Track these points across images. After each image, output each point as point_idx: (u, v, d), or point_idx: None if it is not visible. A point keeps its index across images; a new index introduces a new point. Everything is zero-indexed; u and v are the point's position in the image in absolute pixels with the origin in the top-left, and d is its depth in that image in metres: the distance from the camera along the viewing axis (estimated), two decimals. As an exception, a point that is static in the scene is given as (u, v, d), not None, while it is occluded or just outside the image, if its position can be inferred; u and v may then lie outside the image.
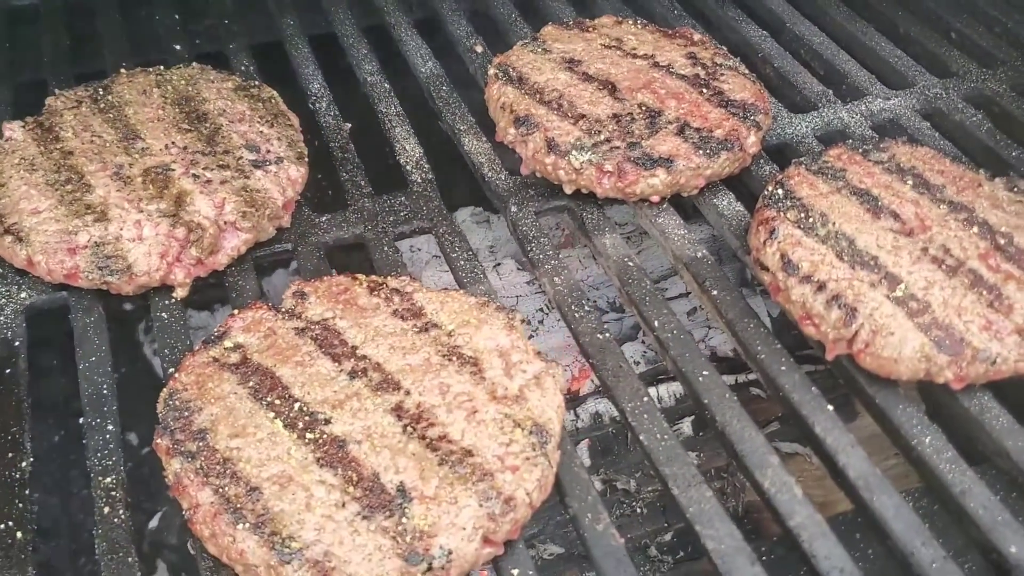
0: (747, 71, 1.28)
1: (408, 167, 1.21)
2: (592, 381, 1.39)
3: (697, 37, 1.33)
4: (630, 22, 1.36)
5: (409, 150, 1.23)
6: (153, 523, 1.28)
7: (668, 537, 1.20)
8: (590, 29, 1.34)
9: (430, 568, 0.78)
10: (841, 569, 0.83)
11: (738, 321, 1.03)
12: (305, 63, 1.36)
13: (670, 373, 1.27)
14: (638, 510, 1.24)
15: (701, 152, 1.13)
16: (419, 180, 1.19)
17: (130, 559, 0.82)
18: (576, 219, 1.17)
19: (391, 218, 1.14)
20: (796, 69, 1.39)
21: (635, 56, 1.28)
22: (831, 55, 1.42)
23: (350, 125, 1.26)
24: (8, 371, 0.96)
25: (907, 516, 0.87)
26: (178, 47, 1.37)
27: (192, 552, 0.83)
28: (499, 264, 1.54)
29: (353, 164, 1.20)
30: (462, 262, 1.09)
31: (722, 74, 1.25)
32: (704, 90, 1.21)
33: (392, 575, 0.77)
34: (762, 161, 1.21)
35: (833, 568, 0.83)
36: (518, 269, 1.52)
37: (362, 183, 1.18)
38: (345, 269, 1.03)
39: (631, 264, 1.09)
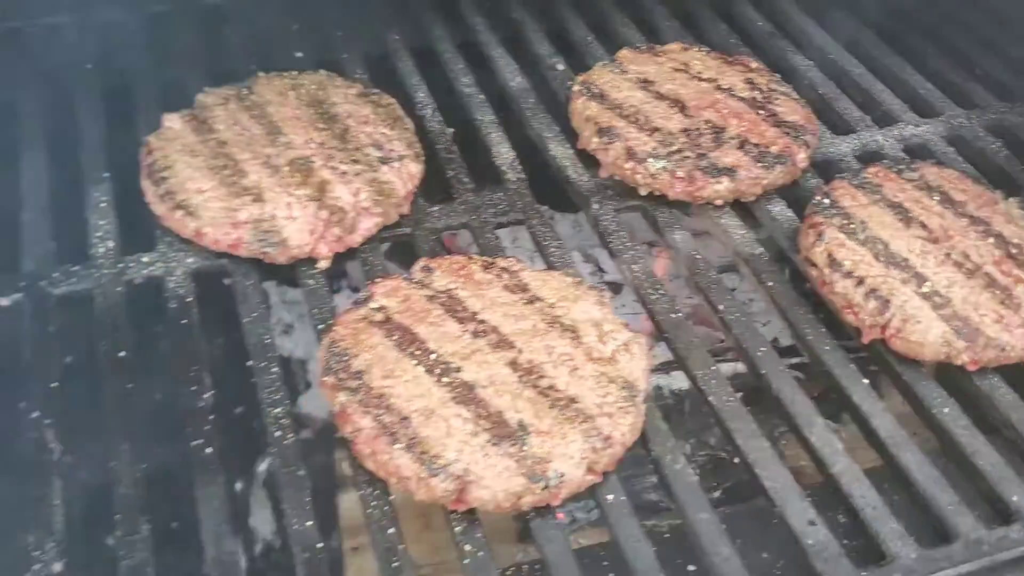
0: (797, 96, 1.47)
1: (503, 167, 1.40)
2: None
3: (754, 64, 1.53)
4: (695, 49, 1.56)
5: (504, 153, 1.43)
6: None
7: (717, 495, 1.40)
8: (660, 54, 1.54)
9: (546, 487, 0.97)
10: (873, 506, 1.02)
11: (790, 308, 1.22)
12: (410, 75, 1.55)
13: (729, 354, 1.47)
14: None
15: (760, 165, 1.33)
16: (513, 179, 1.39)
17: (300, 472, 1.01)
18: (649, 217, 1.36)
19: (491, 210, 1.34)
20: (837, 95, 1.58)
21: (701, 79, 1.48)
22: (868, 84, 1.61)
23: (452, 130, 1.46)
24: (184, 321, 1.16)
25: (927, 470, 1.07)
26: (299, 54, 1.57)
27: (350, 471, 1.03)
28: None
29: (457, 163, 1.40)
30: (552, 249, 1.29)
31: (776, 98, 1.45)
32: (761, 111, 1.41)
33: (517, 488, 0.97)
34: (809, 175, 1.41)
35: (867, 505, 1.03)
36: (583, 261, 1.72)
37: (465, 179, 1.38)
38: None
39: (698, 257, 1.29)
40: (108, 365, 1.10)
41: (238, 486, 1.48)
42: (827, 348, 1.18)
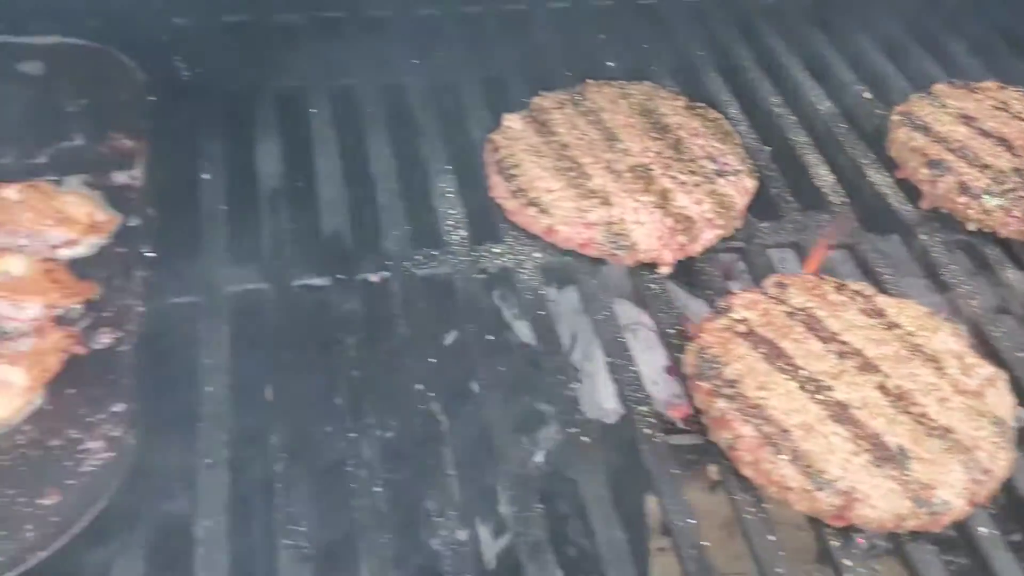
0: None
1: (825, 190, 1.42)
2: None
3: (1076, 108, 1.51)
4: (1010, 89, 1.55)
5: (823, 175, 1.44)
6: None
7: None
8: (977, 91, 1.53)
9: (931, 512, 0.98)
10: None
11: None
12: (720, 91, 1.58)
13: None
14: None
15: (1097, 211, 1.32)
16: (837, 202, 1.40)
17: (674, 471, 1.05)
18: (977, 254, 1.36)
19: (817, 231, 1.36)
20: None
21: (1022, 119, 1.47)
22: None
23: (769, 148, 1.48)
24: (541, 312, 1.21)
25: None
26: (611, 64, 1.61)
27: (718, 477, 1.06)
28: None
29: (779, 181, 1.42)
30: (887, 276, 1.30)
31: (1105, 145, 1.42)
32: (1091, 157, 1.39)
33: (902, 511, 0.98)
34: None
35: None
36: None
37: (789, 198, 1.40)
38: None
39: (1035, 297, 1.28)
40: (477, 346, 1.16)
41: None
42: None
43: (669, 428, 1.39)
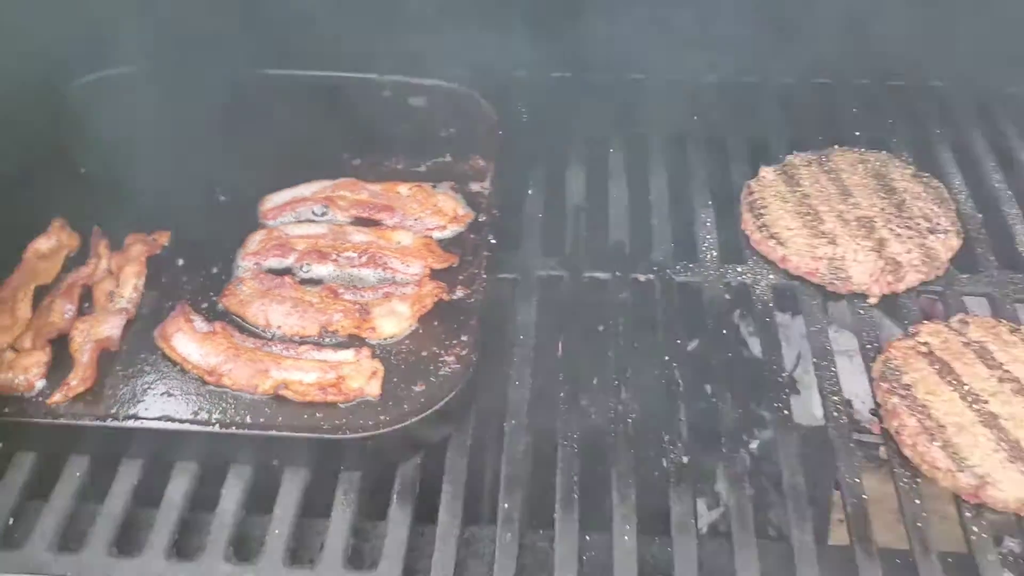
0: None
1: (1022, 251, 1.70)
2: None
3: None
4: None
5: (1024, 241, 1.72)
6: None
7: None
8: None
9: (1056, 505, 1.28)
10: None
11: None
12: (949, 163, 1.88)
13: None
14: None
15: None
16: (1033, 265, 1.68)
17: (850, 445, 1.40)
18: None
19: (1011, 287, 1.64)
20: None
21: None
22: None
23: (982, 215, 1.77)
24: (767, 320, 1.59)
25: None
26: (857, 133, 1.95)
27: (885, 457, 1.39)
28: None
29: (985, 243, 1.71)
30: (1067, 331, 1.56)
31: None
32: None
33: (1026, 498, 1.28)
34: None
35: None
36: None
37: (991, 258, 1.69)
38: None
39: None
40: (712, 338, 1.56)
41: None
42: None
43: (859, 430, 1.72)
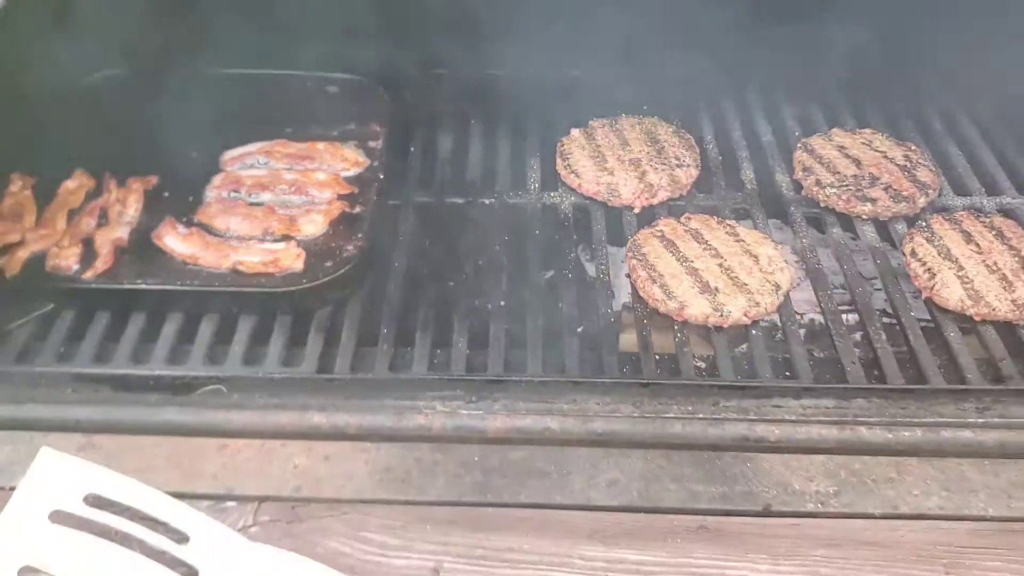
0: (934, 168, 2.45)
1: (744, 181, 2.50)
2: None
3: (914, 147, 2.51)
4: (882, 135, 2.57)
5: (747, 172, 2.52)
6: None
7: None
8: (857, 134, 2.57)
9: (720, 316, 2.06)
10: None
11: (886, 276, 2.21)
12: (705, 125, 2.69)
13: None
14: None
15: (891, 199, 2.33)
16: (749, 188, 2.48)
17: (609, 292, 2.17)
18: (820, 220, 2.40)
19: (731, 203, 2.43)
20: (968, 173, 2.52)
21: (876, 150, 2.50)
22: (992, 166, 2.53)
23: (722, 157, 2.57)
24: (566, 225, 2.37)
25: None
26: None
27: (630, 298, 2.18)
28: None
29: (719, 175, 2.51)
30: (759, 222, 2.36)
31: (918, 167, 2.43)
32: (905, 172, 2.41)
33: (708, 313, 2.06)
34: (927, 212, 2.37)
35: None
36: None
37: (722, 184, 2.48)
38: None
39: (843, 243, 2.31)
40: (528, 235, 2.33)
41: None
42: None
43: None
